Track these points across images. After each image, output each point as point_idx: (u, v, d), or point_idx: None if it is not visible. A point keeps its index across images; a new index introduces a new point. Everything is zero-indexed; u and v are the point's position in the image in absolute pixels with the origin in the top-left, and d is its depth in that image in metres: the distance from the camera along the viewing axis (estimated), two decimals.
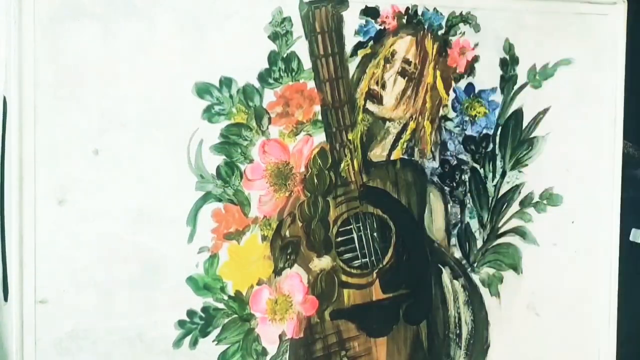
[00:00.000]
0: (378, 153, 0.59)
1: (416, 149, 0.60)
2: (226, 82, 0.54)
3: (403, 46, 0.59)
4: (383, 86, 0.59)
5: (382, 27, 0.58)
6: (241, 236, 0.55)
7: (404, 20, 0.59)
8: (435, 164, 0.61)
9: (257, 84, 0.55)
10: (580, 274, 0.66)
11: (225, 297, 0.55)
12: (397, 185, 0.60)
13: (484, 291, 0.64)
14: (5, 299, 0.51)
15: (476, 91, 0.62)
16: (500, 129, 0.63)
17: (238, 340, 0.56)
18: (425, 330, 0.61)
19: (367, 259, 0.59)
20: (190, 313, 0.54)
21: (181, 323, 0.54)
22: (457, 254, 0.63)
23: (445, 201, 0.62)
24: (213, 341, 0.55)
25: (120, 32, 0.51)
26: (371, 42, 0.58)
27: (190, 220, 0.53)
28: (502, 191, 0.64)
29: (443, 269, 0.62)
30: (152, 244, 0.52)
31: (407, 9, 0.59)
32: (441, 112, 0.61)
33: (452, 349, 0.63)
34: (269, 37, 0.55)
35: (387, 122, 0.59)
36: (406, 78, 0.60)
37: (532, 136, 0.64)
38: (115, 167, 0.51)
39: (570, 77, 0.65)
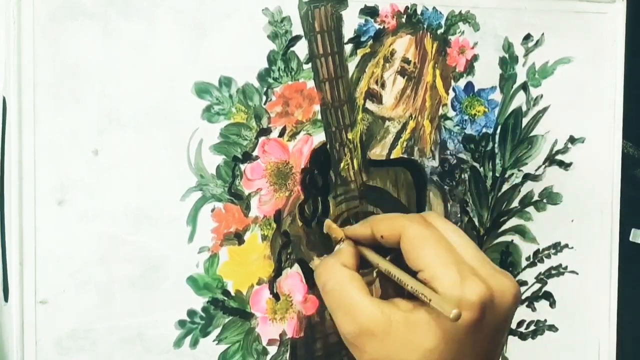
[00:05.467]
0: (378, 152, 0.59)
1: (416, 148, 0.61)
2: (225, 81, 0.54)
3: (402, 45, 0.59)
4: (382, 85, 0.59)
5: (381, 27, 0.58)
6: (241, 236, 0.55)
7: (403, 20, 0.59)
8: (435, 163, 0.61)
9: (256, 84, 0.55)
10: (580, 273, 0.67)
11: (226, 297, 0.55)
12: (397, 184, 0.60)
13: None
14: (6, 299, 0.51)
15: (475, 90, 0.62)
16: (499, 127, 0.63)
17: (239, 340, 0.56)
18: None
19: None
20: (191, 313, 0.54)
21: (181, 323, 0.54)
22: None
23: (445, 200, 0.62)
24: (214, 341, 0.55)
25: (120, 32, 0.51)
26: (370, 42, 0.58)
27: (190, 220, 0.53)
28: (502, 190, 0.64)
29: None
30: (153, 243, 0.52)
31: (407, 8, 0.59)
32: (441, 111, 0.61)
33: None
34: (268, 36, 0.55)
35: (387, 121, 0.59)
36: (405, 77, 0.60)
37: (531, 135, 0.64)
38: (115, 167, 0.51)
39: (570, 76, 0.65)
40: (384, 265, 0.48)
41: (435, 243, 0.46)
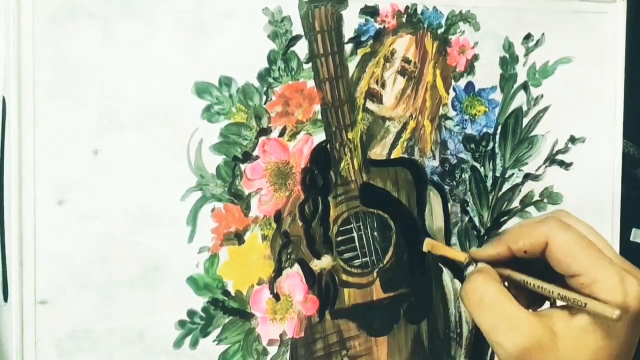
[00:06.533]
0: (378, 152, 0.59)
1: (416, 148, 0.60)
2: (226, 81, 0.54)
3: (403, 45, 0.59)
4: (383, 85, 0.59)
5: (381, 26, 0.58)
6: (241, 236, 0.55)
7: (404, 19, 0.59)
8: (435, 163, 0.61)
9: (256, 84, 0.55)
10: None
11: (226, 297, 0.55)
12: (397, 184, 0.60)
13: None
14: (5, 299, 0.51)
15: (476, 90, 0.62)
16: (500, 127, 0.63)
17: (239, 340, 0.56)
18: (426, 330, 0.61)
19: (368, 258, 0.59)
20: (191, 313, 0.54)
21: (181, 323, 0.54)
22: None
23: (445, 200, 0.62)
24: (214, 341, 0.55)
25: (119, 32, 0.51)
26: (371, 41, 0.58)
27: (190, 220, 0.53)
28: (503, 190, 0.64)
29: (443, 268, 0.62)
30: (153, 244, 0.52)
31: (407, 7, 0.59)
32: (441, 111, 0.61)
33: (453, 347, 0.63)
34: (268, 36, 0.55)
35: (387, 121, 0.59)
36: (406, 77, 0.60)
37: (531, 135, 0.64)
38: (115, 167, 0.51)
39: (570, 76, 0.65)
40: (533, 280, 0.47)
41: (586, 247, 0.46)
